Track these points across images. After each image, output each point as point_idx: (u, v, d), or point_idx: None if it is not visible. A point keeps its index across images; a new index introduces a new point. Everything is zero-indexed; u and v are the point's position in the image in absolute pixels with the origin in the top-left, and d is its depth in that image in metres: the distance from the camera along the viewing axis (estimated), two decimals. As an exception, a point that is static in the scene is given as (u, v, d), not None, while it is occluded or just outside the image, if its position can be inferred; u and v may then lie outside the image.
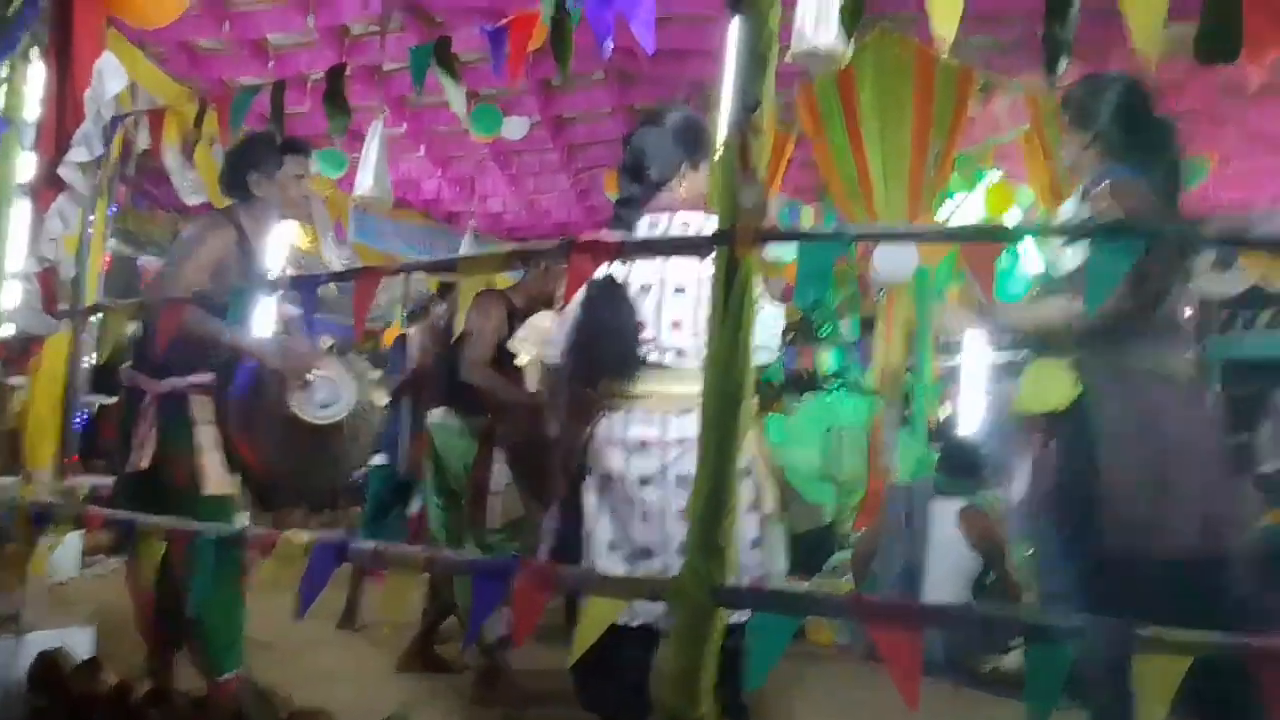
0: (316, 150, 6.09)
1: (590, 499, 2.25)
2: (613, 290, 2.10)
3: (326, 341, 3.54)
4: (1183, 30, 1.51)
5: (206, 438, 2.60)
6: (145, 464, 2.55)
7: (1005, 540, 3.88)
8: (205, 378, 2.63)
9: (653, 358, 2.17)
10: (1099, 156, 2.19)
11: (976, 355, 8.94)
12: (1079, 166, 2.24)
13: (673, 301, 2.18)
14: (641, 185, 2.33)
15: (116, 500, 2.72)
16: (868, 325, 6.96)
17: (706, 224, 2.19)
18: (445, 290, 5.05)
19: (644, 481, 2.14)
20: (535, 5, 4.40)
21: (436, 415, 3.53)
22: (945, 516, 3.83)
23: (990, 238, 1.30)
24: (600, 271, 2.19)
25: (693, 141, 2.36)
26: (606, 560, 2.17)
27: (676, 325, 2.18)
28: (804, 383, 6.77)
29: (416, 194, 7.34)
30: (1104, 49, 4.65)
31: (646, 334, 2.16)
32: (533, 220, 7.83)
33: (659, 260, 2.17)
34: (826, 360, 6.41)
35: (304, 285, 1.79)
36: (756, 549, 2.22)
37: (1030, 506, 2.29)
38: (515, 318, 3.52)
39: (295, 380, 2.51)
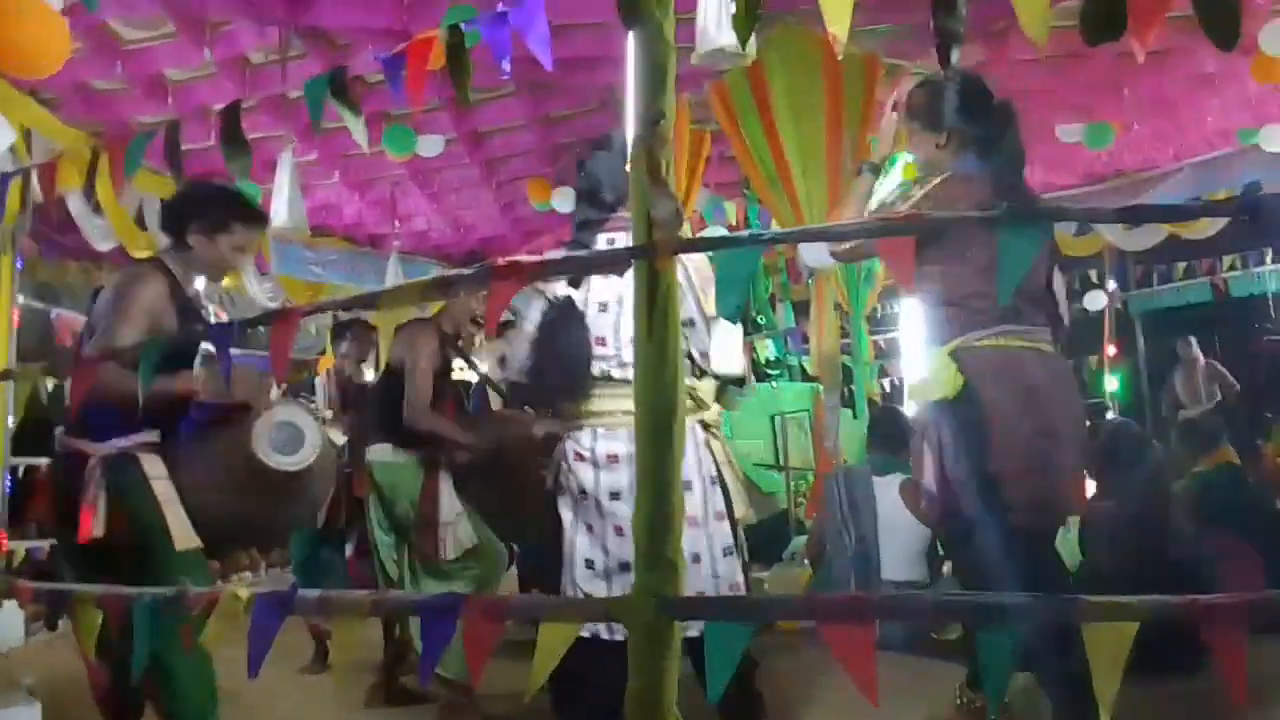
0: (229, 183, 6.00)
1: (566, 516, 2.28)
2: (568, 311, 2.12)
3: (276, 391, 3.43)
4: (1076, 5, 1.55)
5: (165, 493, 2.46)
6: (99, 531, 2.39)
7: None
8: (151, 435, 2.50)
9: (616, 374, 2.21)
10: (951, 152, 2.28)
11: (913, 326, 9.14)
12: (932, 164, 2.33)
13: (628, 318, 2.21)
14: (597, 209, 2.36)
15: (62, 571, 2.58)
16: (801, 310, 7.05)
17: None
18: (344, 328, 4.98)
19: (614, 496, 2.16)
20: (434, 24, 4.39)
21: (377, 451, 3.45)
22: (888, 493, 3.89)
23: (901, 232, 1.31)
24: (557, 292, 2.22)
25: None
26: (585, 576, 2.18)
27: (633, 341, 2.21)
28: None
29: (337, 219, 7.22)
30: (1002, 31, 4.79)
31: (609, 350, 2.20)
32: (458, 237, 7.76)
33: (615, 279, 2.19)
34: (765, 349, 6.47)
35: (219, 333, 1.74)
36: (730, 556, 2.26)
37: (933, 491, 2.37)
38: (447, 344, 3.48)
39: (258, 409, 2.42)
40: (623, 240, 2.25)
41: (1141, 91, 5.76)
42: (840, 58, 4.54)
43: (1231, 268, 8.40)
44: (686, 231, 2.28)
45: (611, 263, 1.67)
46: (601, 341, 2.25)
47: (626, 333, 2.22)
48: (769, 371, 6.34)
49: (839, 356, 4.84)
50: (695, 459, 2.29)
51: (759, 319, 6.95)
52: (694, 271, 2.29)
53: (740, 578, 2.29)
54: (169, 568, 2.34)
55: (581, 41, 4.70)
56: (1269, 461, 4.39)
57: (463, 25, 1.65)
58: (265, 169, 5.06)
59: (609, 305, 2.23)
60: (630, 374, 2.16)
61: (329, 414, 3.86)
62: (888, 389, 8.99)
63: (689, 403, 2.31)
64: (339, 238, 7.44)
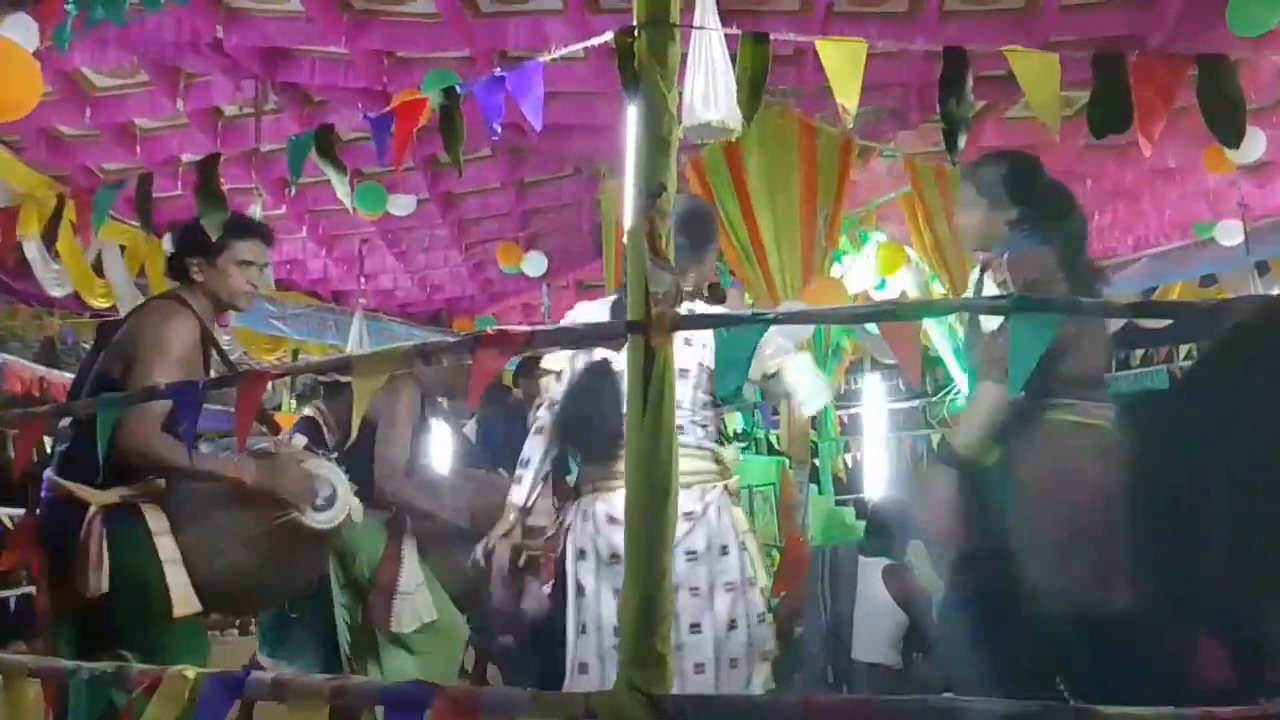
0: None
1: (588, 583, 2.20)
2: (603, 374, 2.06)
3: (300, 440, 3.21)
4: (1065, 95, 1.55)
5: (168, 550, 2.22)
6: (105, 587, 2.15)
7: (927, 594, 3.90)
8: (152, 485, 2.25)
9: None
10: (1011, 228, 2.26)
11: (877, 402, 9.18)
12: (987, 240, 2.30)
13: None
14: None
15: (53, 635, 2.27)
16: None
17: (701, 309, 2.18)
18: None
19: None
20: (412, 85, 4.38)
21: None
22: (871, 576, 3.83)
23: (905, 317, 1.28)
24: (593, 355, 2.16)
25: (696, 229, 2.34)
26: (613, 642, 2.10)
27: (677, 405, 2.17)
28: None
29: (302, 274, 7.12)
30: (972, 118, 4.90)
31: None
32: (425, 296, 7.69)
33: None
34: (733, 421, 6.42)
35: (183, 394, 1.64)
36: (764, 622, 2.22)
37: (957, 560, 2.28)
38: (427, 400, 3.31)
39: (303, 499, 2.27)
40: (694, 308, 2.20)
41: (1104, 182, 5.92)
42: (818, 134, 4.63)
43: (1188, 356, 8.57)
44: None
45: (606, 336, 1.61)
46: (676, 405, 2.19)
47: (699, 395, 2.18)
48: (737, 444, 6.29)
49: (809, 431, 4.81)
50: (729, 523, 2.24)
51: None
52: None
53: (771, 644, 2.25)
54: (168, 635, 2.14)
55: (559, 109, 4.72)
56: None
57: (458, 88, 1.60)
58: (232, 222, 4.98)
59: (689, 370, 2.16)
60: (694, 436, 2.14)
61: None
62: (851, 465, 8.99)
63: (716, 467, 2.27)
64: (303, 292, 7.33)
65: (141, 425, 2.09)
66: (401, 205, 5.58)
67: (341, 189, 1.73)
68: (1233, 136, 1.39)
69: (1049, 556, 2.08)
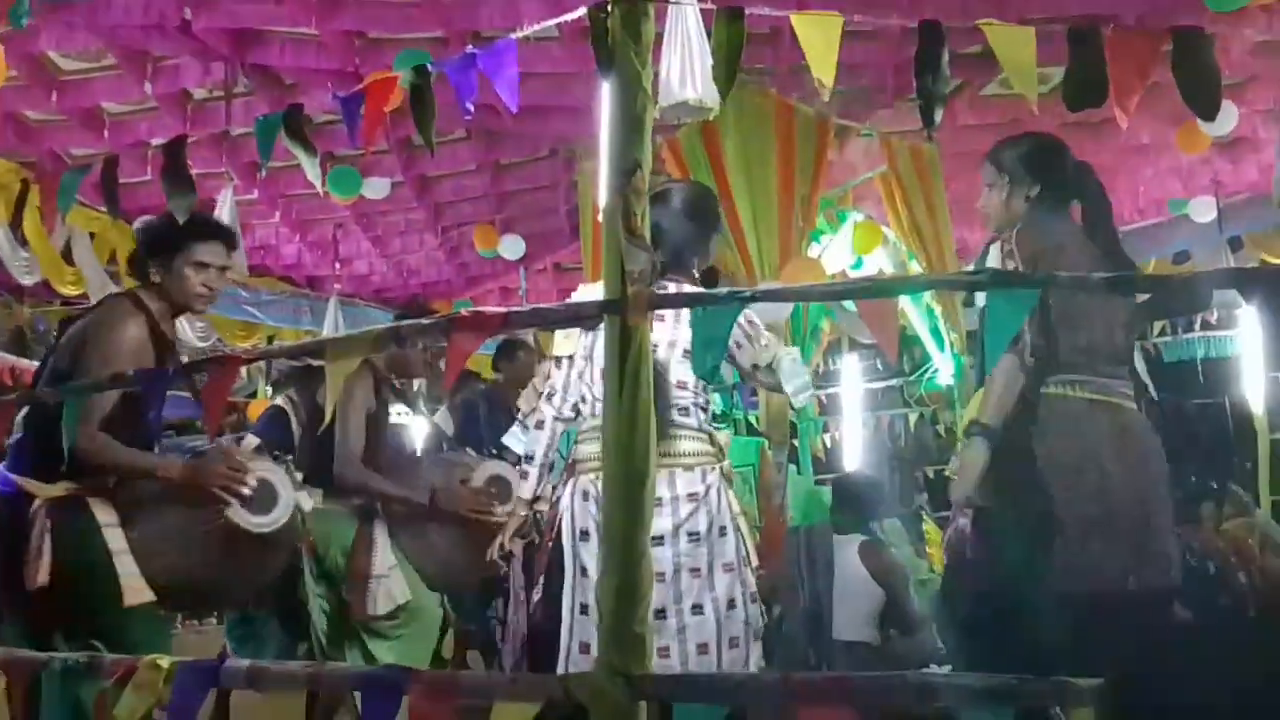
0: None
1: (590, 563, 2.17)
2: None
3: (252, 441, 3.18)
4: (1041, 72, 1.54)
5: (117, 541, 2.24)
6: (44, 578, 2.17)
7: (904, 571, 3.92)
8: (107, 480, 2.28)
9: (682, 419, 2.21)
10: (1031, 205, 2.26)
11: (854, 382, 9.20)
12: (1010, 217, 2.29)
13: (679, 364, 2.21)
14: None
15: (7, 627, 2.34)
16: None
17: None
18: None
19: (656, 540, 2.06)
20: (384, 66, 4.33)
21: (312, 500, 3.27)
22: (845, 553, 3.84)
23: (881, 293, 1.27)
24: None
25: (703, 216, 2.38)
26: (580, 622, 2.14)
27: (682, 386, 2.22)
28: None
29: (276, 259, 7.04)
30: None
31: (686, 394, 2.22)
32: (400, 281, 7.63)
33: (669, 324, 2.18)
34: (712, 403, 6.43)
35: (151, 381, 1.61)
36: (756, 602, 2.25)
37: (966, 531, 2.26)
38: (383, 384, 3.31)
39: (229, 495, 2.24)
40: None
41: (1080, 156, 5.92)
42: (795, 114, 4.62)
43: (1162, 334, 8.64)
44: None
45: (582, 316, 1.60)
46: (681, 385, 2.22)
47: (674, 376, 2.21)
48: (716, 426, 6.30)
49: (787, 412, 4.81)
50: (727, 505, 2.26)
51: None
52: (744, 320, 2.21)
53: (763, 623, 2.29)
54: (124, 623, 2.15)
55: (534, 90, 4.68)
56: (1205, 531, 4.45)
57: (430, 66, 1.58)
58: (205, 208, 4.91)
59: (658, 347, 2.16)
60: (674, 417, 2.17)
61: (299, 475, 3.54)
62: (830, 445, 9.01)
63: (711, 449, 2.29)
64: (277, 278, 7.25)
65: (80, 424, 2.09)
66: (376, 189, 5.52)
67: (312, 171, 1.71)
68: (1210, 110, 1.39)
69: (1060, 536, 2.07)
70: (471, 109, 1.55)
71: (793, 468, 6.02)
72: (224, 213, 4.35)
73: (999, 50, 1.43)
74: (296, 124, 1.67)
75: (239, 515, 2.23)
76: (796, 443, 6.45)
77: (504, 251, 6.46)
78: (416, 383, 4.54)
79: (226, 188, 4.45)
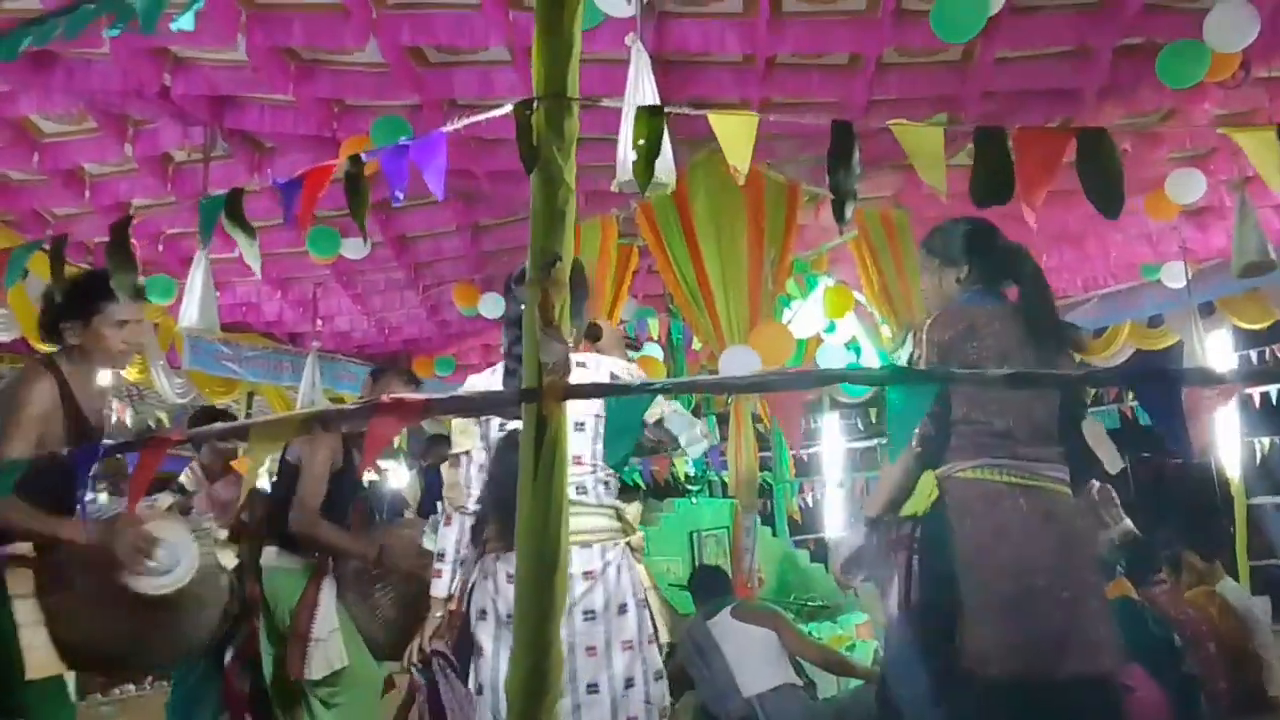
0: (143, 277, 5.86)
1: (486, 643, 2.21)
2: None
3: (165, 501, 3.21)
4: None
5: (26, 614, 2.26)
6: None
7: (780, 611, 4.13)
8: (23, 547, 2.30)
9: (584, 494, 2.20)
10: (962, 286, 2.31)
11: (835, 441, 9.21)
12: (942, 297, 2.34)
13: (572, 437, 2.17)
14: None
15: None
16: (726, 423, 7.06)
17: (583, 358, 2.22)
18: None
19: (589, 615, 2.09)
20: (361, 131, 4.40)
21: (267, 555, 3.27)
22: (723, 626, 3.90)
23: (796, 384, 1.30)
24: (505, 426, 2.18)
25: (577, 287, 2.39)
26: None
27: (577, 460, 2.21)
28: (665, 489, 6.76)
29: (257, 316, 7.07)
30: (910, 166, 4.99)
31: (583, 469, 2.20)
32: (382, 338, 7.67)
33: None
34: (684, 464, 6.44)
35: (81, 458, 1.64)
36: (661, 681, 2.24)
37: (892, 613, 2.29)
38: (351, 445, 3.35)
39: (134, 563, 2.25)
40: (589, 362, 2.26)
41: (1050, 225, 6.03)
42: (766, 180, 4.70)
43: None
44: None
45: (499, 404, 1.63)
46: (577, 460, 2.20)
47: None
48: (688, 487, 6.30)
49: (756, 475, 4.82)
50: (629, 581, 2.25)
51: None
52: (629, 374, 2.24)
53: (668, 702, 2.27)
54: (20, 696, 2.16)
55: (509, 155, 4.75)
56: (1166, 598, 4.42)
57: (363, 155, 1.63)
58: (186, 266, 4.95)
59: (585, 424, 2.19)
60: (570, 494, 2.18)
61: (222, 534, 3.58)
62: (808, 505, 9.00)
63: (617, 524, 2.28)
64: (258, 334, 7.28)
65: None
66: (355, 249, 5.57)
67: (249, 253, 1.74)
68: (1111, 207, 1.44)
69: (970, 619, 2.07)
70: (402, 197, 1.60)
71: (768, 530, 6.03)
72: (197, 274, 4.39)
73: (908, 148, 1.48)
74: (237, 208, 1.71)
75: (134, 579, 2.26)
76: (772, 504, 6.46)
77: (484, 310, 6.51)
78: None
79: (201, 249, 4.50)
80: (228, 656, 3.67)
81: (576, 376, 2.18)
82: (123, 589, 2.25)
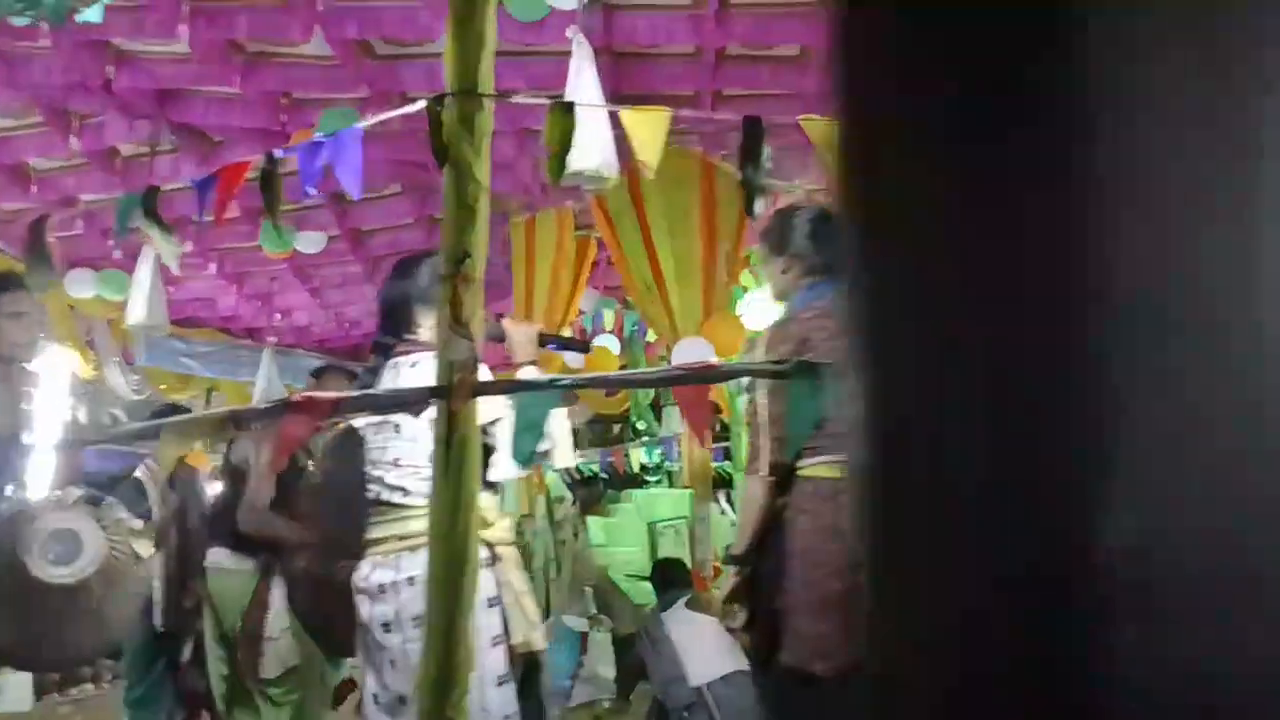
0: (96, 272, 5.78)
1: (359, 651, 2.20)
2: (348, 439, 2.07)
3: (74, 493, 3.18)
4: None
5: None
6: None
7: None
8: None
9: (384, 498, 2.15)
10: (797, 278, 2.30)
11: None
12: (781, 290, 2.34)
13: (393, 440, 2.16)
14: (389, 333, 2.39)
15: None
16: (687, 415, 7.04)
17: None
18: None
19: (386, 628, 2.08)
20: (310, 124, 4.36)
21: (215, 556, 3.26)
22: (677, 616, 3.92)
23: (692, 381, 1.32)
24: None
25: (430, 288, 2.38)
26: (373, 711, 2.12)
27: (396, 463, 2.16)
28: (623, 480, 6.77)
29: (212, 311, 7.01)
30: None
31: (374, 474, 2.15)
32: (341, 331, 7.62)
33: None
34: (638, 456, 6.46)
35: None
36: (505, 686, 2.14)
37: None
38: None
39: (22, 552, 2.23)
40: (401, 364, 2.22)
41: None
42: (718, 172, 4.71)
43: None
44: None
45: (407, 402, 1.63)
46: (396, 463, 2.16)
47: (390, 454, 2.15)
48: (646, 479, 6.32)
49: (710, 466, 4.84)
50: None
51: (639, 424, 6.96)
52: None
53: (514, 708, 2.15)
54: None
55: (462, 148, 4.73)
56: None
57: (278, 152, 1.62)
58: (128, 265, 4.90)
59: (376, 426, 2.16)
60: (395, 497, 2.13)
61: (138, 524, 3.50)
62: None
63: None
64: (214, 329, 7.21)
65: None
66: (310, 242, 5.54)
67: (164, 247, 1.74)
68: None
69: (799, 612, 2.08)
70: (312, 192, 1.60)
71: (725, 518, 6.06)
72: (145, 269, 4.35)
73: (816, 142, 1.50)
74: (152, 205, 1.70)
75: (38, 567, 2.24)
76: (730, 492, 6.48)
77: (442, 303, 6.50)
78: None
79: (146, 245, 4.44)
80: (184, 655, 3.65)
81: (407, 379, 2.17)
82: (25, 581, 2.23)
